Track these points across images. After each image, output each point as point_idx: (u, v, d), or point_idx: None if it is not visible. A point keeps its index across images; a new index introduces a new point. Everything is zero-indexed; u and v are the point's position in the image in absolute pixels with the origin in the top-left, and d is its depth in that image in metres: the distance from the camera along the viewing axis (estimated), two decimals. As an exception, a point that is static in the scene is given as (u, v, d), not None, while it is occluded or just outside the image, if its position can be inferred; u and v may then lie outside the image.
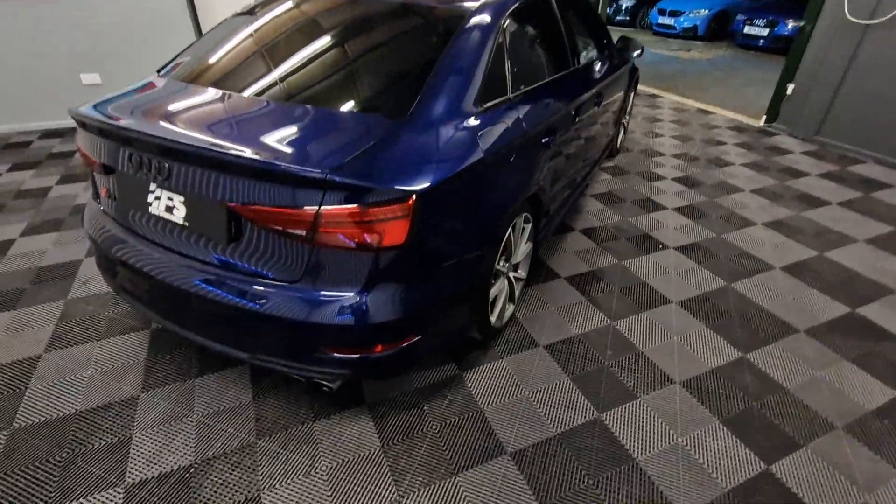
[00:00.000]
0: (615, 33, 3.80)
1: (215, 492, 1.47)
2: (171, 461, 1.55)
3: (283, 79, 1.61)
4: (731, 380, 1.90)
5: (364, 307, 1.32)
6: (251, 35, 1.90)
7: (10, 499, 1.44)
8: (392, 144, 1.33)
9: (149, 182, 1.43)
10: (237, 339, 1.47)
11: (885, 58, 3.93)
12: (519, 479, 1.52)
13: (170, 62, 1.90)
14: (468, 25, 1.68)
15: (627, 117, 4.19)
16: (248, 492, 1.47)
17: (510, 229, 1.81)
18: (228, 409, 1.74)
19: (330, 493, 1.47)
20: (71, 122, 4.67)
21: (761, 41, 8.89)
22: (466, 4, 1.80)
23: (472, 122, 1.55)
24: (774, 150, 4.37)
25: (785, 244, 2.87)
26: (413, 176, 1.28)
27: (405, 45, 1.77)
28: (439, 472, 1.54)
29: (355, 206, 1.21)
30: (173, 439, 1.62)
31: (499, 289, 1.95)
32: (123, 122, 1.39)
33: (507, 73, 1.79)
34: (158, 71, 1.86)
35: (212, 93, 1.59)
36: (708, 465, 1.57)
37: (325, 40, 1.79)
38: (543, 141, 1.95)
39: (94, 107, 1.54)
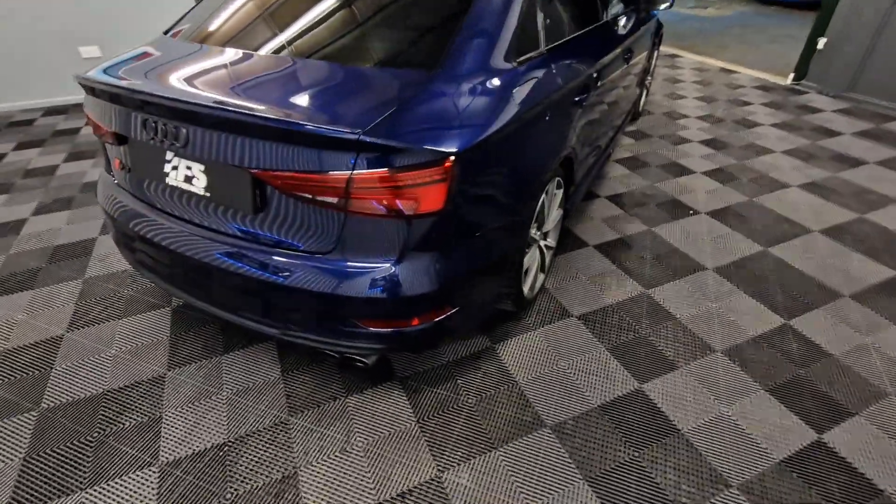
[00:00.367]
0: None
1: (251, 469, 1.44)
2: (204, 440, 1.52)
3: (303, 34, 1.49)
4: (774, 347, 1.83)
5: (401, 278, 1.24)
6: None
7: (44, 479, 1.42)
8: (426, 101, 1.22)
9: (165, 150, 1.34)
10: (267, 315, 1.40)
11: (929, 5, 3.68)
12: (560, 453, 1.47)
13: (177, 22, 1.78)
14: (499, -29, 1.54)
15: (650, 78, 4.00)
16: (285, 469, 1.44)
17: (543, 194, 1.71)
18: (258, 386, 1.70)
19: (368, 470, 1.44)
20: (73, 98, 4.55)
21: (784, -5, 8.43)
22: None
23: (507, 76, 1.43)
24: (804, 109, 4.17)
25: (822, 206, 2.74)
26: (450, 135, 1.18)
27: None
28: (478, 446, 1.50)
29: (390, 169, 1.12)
30: (204, 418, 1.59)
31: (531, 258, 1.86)
32: (137, 85, 1.29)
33: (539, 24, 1.66)
34: (166, 32, 1.74)
35: (229, 52, 1.47)
36: (756, 436, 1.51)
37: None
38: (576, 99, 1.82)
39: (104, 70, 1.43)
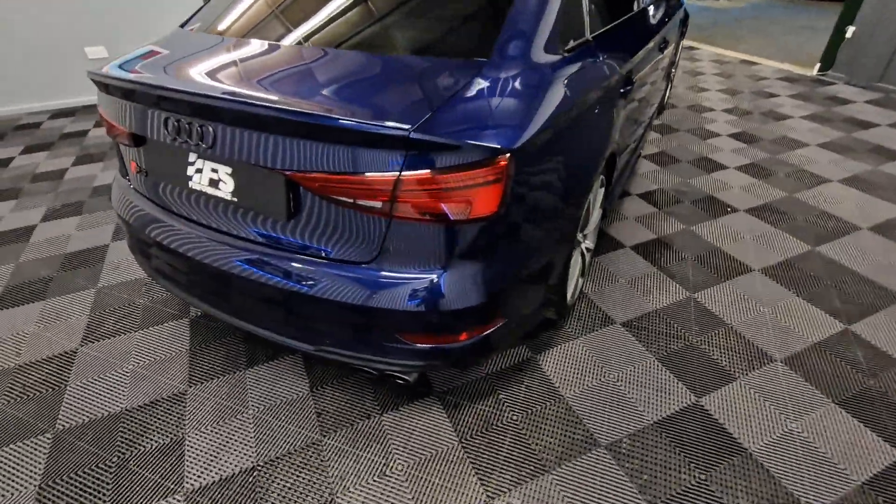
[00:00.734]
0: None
1: (284, 497, 1.33)
2: (231, 463, 1.41)
3: (335, 22, 1.37)
4: (838, 355, 1.70)
5: (450, 289, 1.13)
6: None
7: (63, 509, 1.32)
8: (477, 93, 1.10)
9: (188, 152, 1.23)
10: (300, 330, 1.29)
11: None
12: (620, 476, 1.35)
13: (194, 14, 1.67)
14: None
15: (675, 70, 3.86)
16: (321, 495, 1.33)
17: (591, 193, 1.58)
18: (285, 402, 1.58)
19: (411, 496, 1.32)
20: (81, 101, 4.45)
21: (800, -15, 8.24)
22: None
23: (558, 65, 1.31)
24: (834, 100, 4.01)
25: (868, 202, 2.60)
26: (504, 130, 1.06)
27: None
28: (528, 468, 1.38)
29: (442, 169, 1.00)
30: (231, 439, 1.48)
31: (574, 262, 1.74)
32: (157, 81, 1.18)
33: (584, 10, 1.53)
34: (182, 25, 1.63)
35: (255, 44, 1.36)
36: (832, 455, 1.39)
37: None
38: (621, 90, 1.70)
39: (119, 66, 1.32)
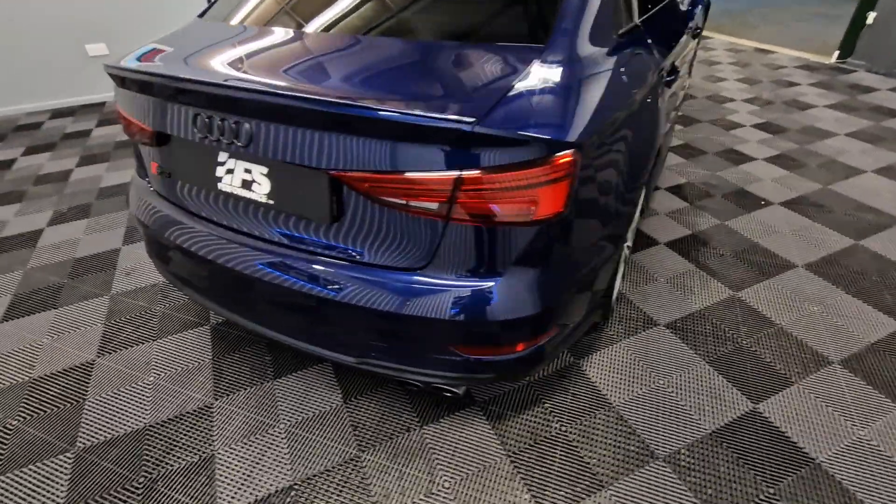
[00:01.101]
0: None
1: (325, 519, 1.24)
2: (266, 482, 1.32)
3: (377, 9, 1.27)
4: (898, 356, 1.61)
5: (510, 298, 1.03)
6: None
7: (88, 536, 1.23)
8: (537, 82, 1.00)
9: (218, 151, 1.13)
10: (342, 342, 1.20)
11: None
12: (683, 492, 1.27)
13: (212, 4, 1.56)
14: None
15: (694, 58, 3.75)
16: (364, 517, 1.24)
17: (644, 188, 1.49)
18: (318, 415, 1.50)
19: (461, 516, 1.24)
20: (81, 99, 4.33)
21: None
22: None
23: (613, 52, 1.21)
24: (857, 88, 3.91)
25: (906, 193, 2.51)
26: (569, 123, 0.96)
27: None
28: (584, 484, 1.29)
29: (506, 166, 0.91)
30: (263, 456, 1.39)
31: (621, 261, 1.65)
32: (186, 73, 1.08)
33: (631, -8, 1.43)
34: (201, 15, 1.52)
35: (286, 33, 1.25)
36: (906, 464, 1.31)
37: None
38: (667, 79, 1.60)
39: (138, 58, 1.22)
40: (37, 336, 1.83)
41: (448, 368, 1.14)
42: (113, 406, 1.55)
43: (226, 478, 1.34)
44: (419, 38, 1.15)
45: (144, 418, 1.51)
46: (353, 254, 1.09)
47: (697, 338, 1.71)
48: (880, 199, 2.46)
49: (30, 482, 1.35)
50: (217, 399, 1.56)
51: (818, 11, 6.76)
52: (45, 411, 1.55)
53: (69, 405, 1.56)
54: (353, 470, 1.35)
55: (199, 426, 1.48)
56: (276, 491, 1.31)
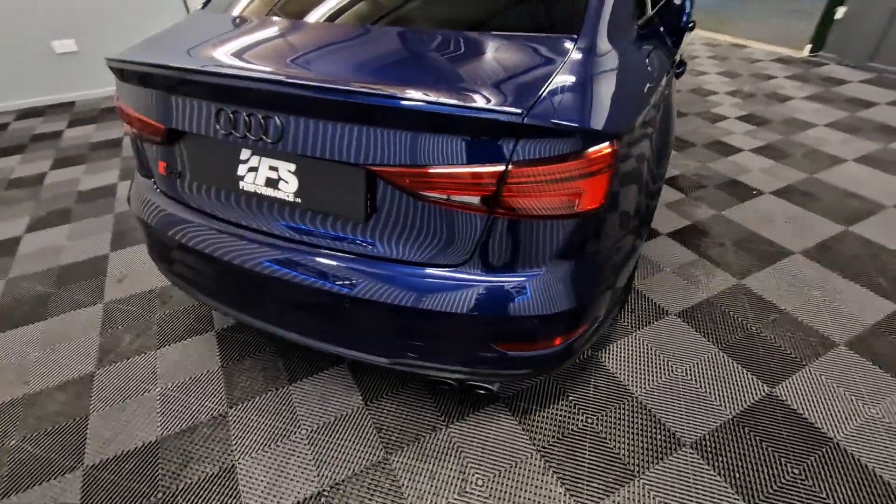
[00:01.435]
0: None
1: (359, 525, 1.21)
2: (293, 490, 1.28)
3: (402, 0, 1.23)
4: (897, 336, 1.68)
5: (553, 292, 1.02)
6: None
7: (108, 557, 1.16)
8: (576, 72, 0.98)
9: (241, 148, 1.08)
10: (375, 343, 1.16)
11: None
12: (712, 476, 1.29)
13: (213, -5, 1.49)
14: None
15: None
16: (399, 521, 1.22)
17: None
18: (340, 419, 1.46)
19: (498, 514, 1.23)
20: (49, 99, 4.11)
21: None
22: None
23: (639, 41, 1.22)
24: (830, 81, 4.07)
25: (886, 180, 2.62)
26: (612, 113, 0.96)
27: None
28: (615, 475, 1.30)
29: (553, 158, 0.89)
30: (287, 463, 1.35)
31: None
32: (211, 66, 1.02)
33: (643, -16, 1.44)
34: (203, 6, 1.45)
35: (308, 24, 1.20)
36: (917, 439, 1.36)
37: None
38: (678, 71, 1.62)
39: (142, 50, 1.15)
40: (26, 349, 1.73)
41: (486, 365, 1.13)
42: (120, 420, 1.48)
43: (250, 488, 1.29)
44: (446, 28, 1.12)
45: (156, 431, 1.44)
46: (388, 251, 1.06)
47: (708, 325, 1.74)
48: (863, 187, 2.56)
49: (39, 503, 1.27)
50: (231, 407, 1.50)
51: (792, 7, 6.99)
52: (46, 428, 1.46)
53: (72, 420, 1.48)
54: (382, 473, 1.32)
55: (216, 436, 1.42)
56: (305, 498, 1.27)
